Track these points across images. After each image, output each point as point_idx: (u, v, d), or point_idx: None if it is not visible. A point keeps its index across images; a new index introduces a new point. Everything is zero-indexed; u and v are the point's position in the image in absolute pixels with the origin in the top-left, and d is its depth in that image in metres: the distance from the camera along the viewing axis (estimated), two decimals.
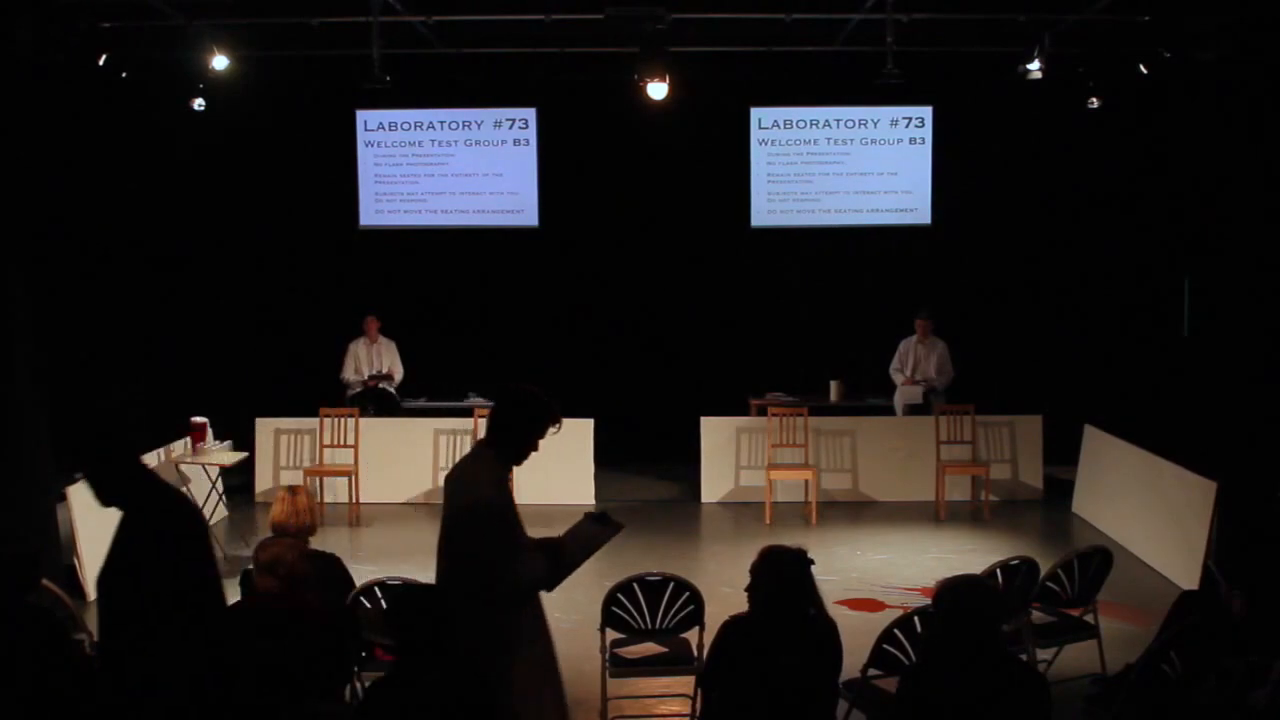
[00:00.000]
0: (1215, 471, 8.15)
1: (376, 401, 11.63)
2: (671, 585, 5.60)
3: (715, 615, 4.84)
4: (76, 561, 7.99)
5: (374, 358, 11.84)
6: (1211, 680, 4.72)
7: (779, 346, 12.69)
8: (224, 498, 10.19)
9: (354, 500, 10.47)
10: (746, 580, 4.33)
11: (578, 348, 12.61)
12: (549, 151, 12.76)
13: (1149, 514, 9.03)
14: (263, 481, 11.04)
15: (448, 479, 4.46)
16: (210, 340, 12.41)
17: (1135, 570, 8.67)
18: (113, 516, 3.96)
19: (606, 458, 11.14)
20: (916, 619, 5.16)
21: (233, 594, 6.38)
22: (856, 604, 7.88)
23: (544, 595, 4.49)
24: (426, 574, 6.73)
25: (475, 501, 4.23)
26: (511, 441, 4.36)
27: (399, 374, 11.92)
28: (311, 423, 10.91)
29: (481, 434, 11.69)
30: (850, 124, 12.77)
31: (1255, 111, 10.40)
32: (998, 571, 5.89)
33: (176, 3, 9.41)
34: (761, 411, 11.34)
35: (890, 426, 11.33)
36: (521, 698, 4.29)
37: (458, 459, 10.80)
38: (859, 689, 5.19)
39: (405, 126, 12.88)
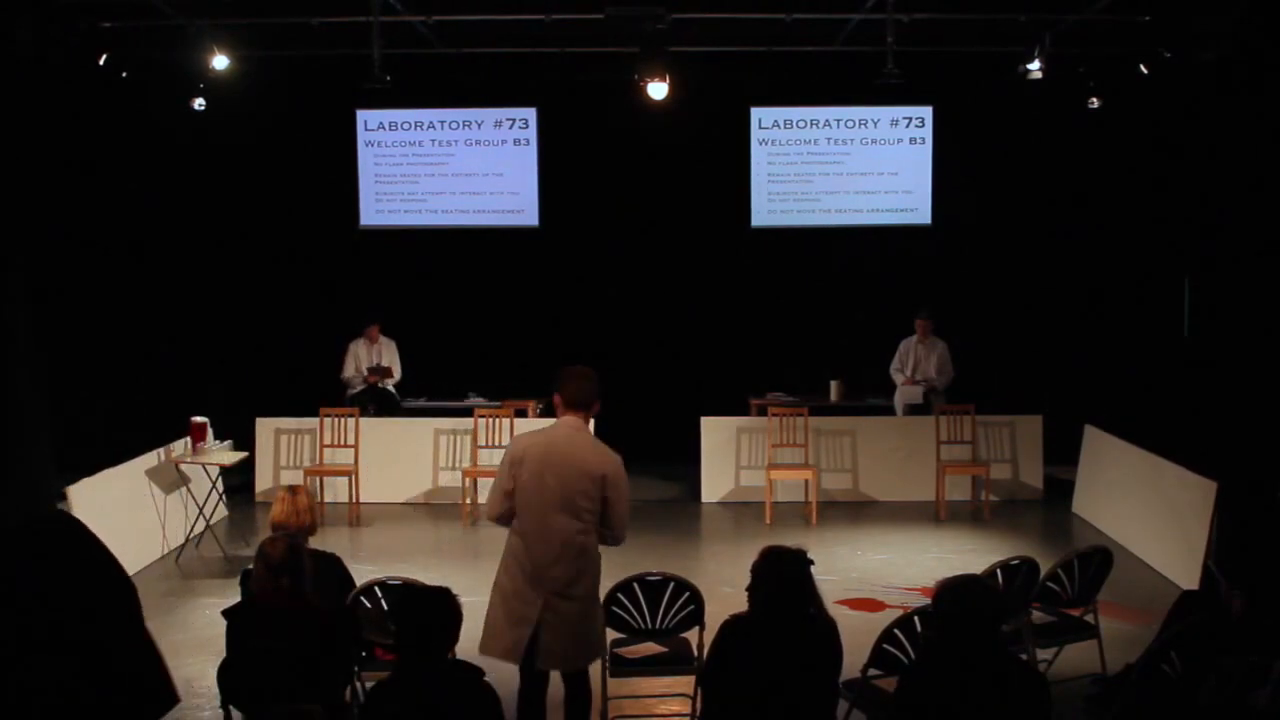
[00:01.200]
0: (1215, 471, 8.14)
1: (376, 401, 11.63)
2: (671, 585, 5.60)
3: (715, 615, 4.84)
4: None
5: (374, 357, 11.83)
6: (1211, 680, 4.71)
7: (779, 346, 12.68)
8: (224, 498, 10.19)
9: (354, 500, 10.47)
10: (746, 580, 4.33)
11: (577, 348, 12.54)
12: (549, 151, 12.75)
13: (1149, 514, 9.02)
14: (263, 481, 11.04)
15: (557, 451, 4.87)
16: (210, 340, 12.40)
17: (1135, 570, 8.66)
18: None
19: None
20: (916, 619, 5.16)
21: (233, 594, 6.42)
22: (856, 604, 7.88)
23: None
24: (426, 574, 6.76)
25: (617, 462, 4.94)
26: (590, 411, 5.00)
27: (398, 373, 11.92)
28: (311, 423, 10.91)
29: (480, 434, 11.59)
30: (850, 124, 12.76)
31: (1255, 111, 10.40)
32: (998, 571, 5.89)
33: (176, 3, 9.41)
34: (761, 411, 11.33)
35: (890, 426, 11.33)
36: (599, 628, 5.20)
37: (449, 451, 10.93)
38: (859, 689, 5.19)
39: (405, 126, 12.87)
